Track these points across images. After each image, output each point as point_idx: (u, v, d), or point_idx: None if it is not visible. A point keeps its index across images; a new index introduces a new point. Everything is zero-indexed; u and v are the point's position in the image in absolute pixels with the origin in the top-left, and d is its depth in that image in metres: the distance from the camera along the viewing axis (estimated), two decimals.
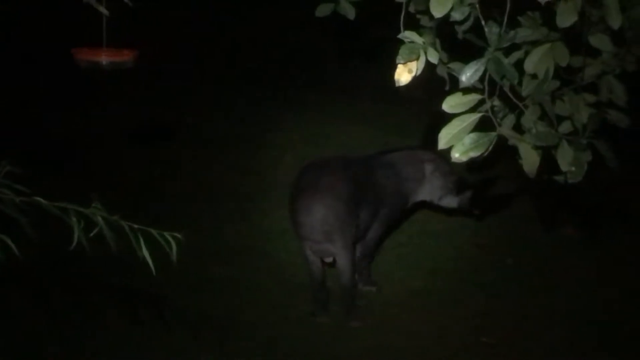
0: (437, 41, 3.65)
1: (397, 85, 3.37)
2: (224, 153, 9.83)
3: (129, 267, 4.14)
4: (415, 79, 3.37)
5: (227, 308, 7.28)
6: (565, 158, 3.09)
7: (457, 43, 3.79)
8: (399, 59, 3.32)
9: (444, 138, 3.09)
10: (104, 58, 4.79)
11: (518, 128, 3.33)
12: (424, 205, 8.10)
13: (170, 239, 2.95)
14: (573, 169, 3.09)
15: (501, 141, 3.15)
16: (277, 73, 11.57)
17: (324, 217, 7.01)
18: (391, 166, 7.59)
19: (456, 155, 3.04)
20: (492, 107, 3.47)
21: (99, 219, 2.88)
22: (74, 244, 2.88)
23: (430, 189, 7.78)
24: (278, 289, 7.62)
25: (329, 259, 7.27)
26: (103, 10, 3.89)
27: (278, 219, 8.22)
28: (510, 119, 3.61)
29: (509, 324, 7.35)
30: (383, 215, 7.52)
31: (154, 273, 2.98)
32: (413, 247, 8.24)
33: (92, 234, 2.90)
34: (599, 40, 3.67)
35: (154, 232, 2.93)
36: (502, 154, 3.32)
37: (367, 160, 7.60)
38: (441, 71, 3.99)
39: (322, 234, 7.05)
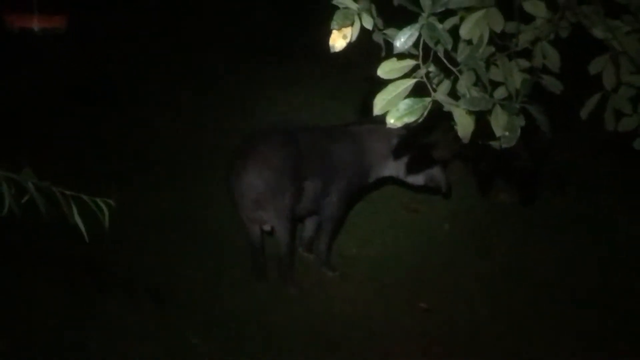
0: (373, 7, 3.64)
1: (332, 51, 3.35)
2: (161, 121, 9.74)
3: (64, 234, 4.09)
4: (350, 45, 3.36)
5: (163, 274, 7.25)
6: (499, 123, 3.10)
7: (393, 9, 3.79)
8: (333, 24, 3.30)
9: (379, 104, 3.08)
10: (36, 23, 4.72)
11: (453, 94, 3.33)
12: None
13: (102, 205, 2.92)
14: (507, 133, 3.11)
15: (436, 107, 3.15)
16: (213, 38, 11.48)
17: (252, 184, 6.96)
18: (353, 139, 7.49)
19: (391, 121, 3.03)
20: (428, 73, 3.46)
21: (30, 185, 2.83)
22: (5, 210, 2.84)
23: (397, 165, 7.71)
24: (215, 255, 7.59)
25: (267, 227, 7.25)
26: None
27: (215, 187, 8.18)
28: (445, 85, 3.62)
29: (445, 289, 7.42)
30: (340, 189, 7.42)
31: (86, 239, 2.95)
32: (349, 213, 8.23)
33: (23, 201, 2.86)
34: (533, 6, 3.69)
35: (85, 197, 2.90)
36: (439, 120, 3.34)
37: (323, 131, 7.51)
38: (377, 37, 3.98)
39: (251, 201, 7.02)
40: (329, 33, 3.35)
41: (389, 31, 3.74)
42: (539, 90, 3.75)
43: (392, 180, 8.02)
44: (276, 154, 7.04)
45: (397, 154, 7.60)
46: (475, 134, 3.17)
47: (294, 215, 7.25)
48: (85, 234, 2.91)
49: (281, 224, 7.14)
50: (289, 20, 11.32)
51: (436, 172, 7.80)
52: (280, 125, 7.76)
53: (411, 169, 7.72)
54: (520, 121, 3.12)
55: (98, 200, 2.94)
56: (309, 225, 7.78)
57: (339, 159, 7.37)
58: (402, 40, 3.09)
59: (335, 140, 7.42)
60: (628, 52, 3.87)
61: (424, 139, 7.65)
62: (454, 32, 3.53)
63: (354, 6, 3.33)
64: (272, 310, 6.97)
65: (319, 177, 7.25)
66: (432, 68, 3.58)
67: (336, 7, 3.33)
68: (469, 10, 3.51)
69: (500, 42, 3.67)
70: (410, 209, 8.52)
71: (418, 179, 7.82)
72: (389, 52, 3.25)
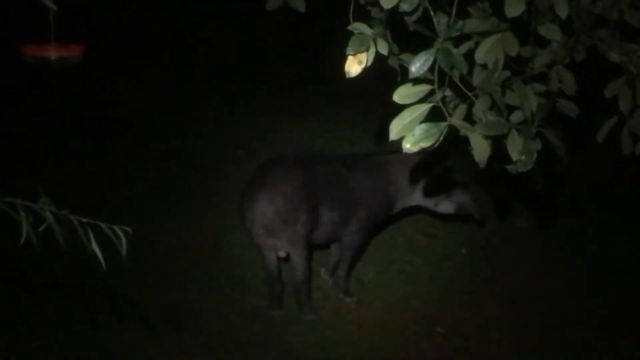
0: (388, 32, 3.65)
1: (347, 76, 3.37)
2: (175, 149, 9.78)
3: (81, 263, 4.09)
4: (365, 70, 3.37)
5: (180, 303, 7.25)
6: (515, 147, 3.10)
7: (408, 34, 3.80)
8: (349, 50, 3.31)
9: (395, 129, 3.08)
10: (52, 53, 4.73)
11: (469, 118, 3.33)
12: None
13: (120, 233, 2.92)
14: (523, 157, 3.10)
15: (453, 132, 3.15)
16: (226, 69, 11.53)
17: (262, 211, 6.90)
18: (377, 168, 7.42)
19: (407, 146, 3.03)
20: (444, 97, 3.47)
21: (48, 213, 2.84)
22: (23, 239, 2.84)
23: (424, 194, 7.61)
24: (231, 284, 7.60)
25: (282, 254, 7.22)
26: (51, 5, 3.84)
27: (230, 214, 8.18)
28: (461, 109, 3.62)
29: (462, 314, 7.40)
30: (362, 218, 7.34)
31: (104, 267, 2.95)
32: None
33: (40, 229, 2.87)
34: (548, 30, 3.69)
35: (103, 226, 2.90)
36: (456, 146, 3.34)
37: (343, 160, 7.43)
38: (392, 62, 3.99)
39: (262, 227, 6.96)
40: (344, 60, 3.36)
41: (404, 56, 3.76)
42: (555, 114, 3.76)
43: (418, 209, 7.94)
44: (288, 181, 7.00)
45: (424, 183, 7.54)
46: (491, 158, 3.16)
47: (309, 242, 7.20)
48: (103, 261, 2.92)
49: (295, 251, 7.11)
50: (301, 50, 11.35)
51: (467, 199, 7.70)
52: (297, 153, 7.74)
53: (440, 197, 7.63)
54: (537, 145, 3.12)
55: (116, 227, 2.94)
56: (335, 250, 7.74)
57: (360, 189, 7.30)
58: (418, 65, 3.10)
59: (357, 170, 7.35)
60: None
61: (450, 166, 7.59)
62: (469, 56, 3.54)
63: (369, 32, 3.34)
64: (287, 337, 6.95)
65: (337, 206, 7.19)
66: (447, 92, 3.59)
67: (352, 33, 3.34)
68: (484, 34, 3.52)
69: (515, 66, 3.68)
70: (427, 234, 8.51)
71: (448, 208, 7.72)
72: (404, 77, 3.25)
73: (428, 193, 7.60)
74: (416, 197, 7.63)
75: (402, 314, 7.38)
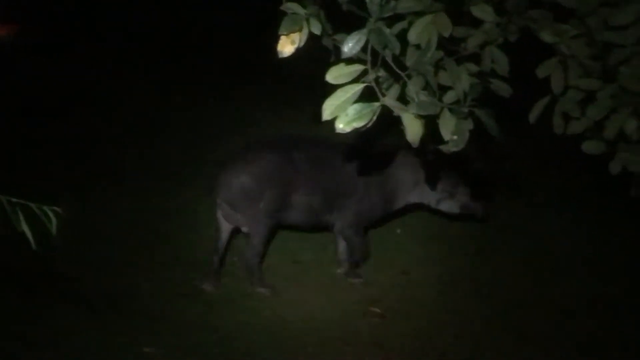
0: (322, 12, 3.65)
1: (279, 56, 3.36)
2: (120, 132, 9.69)
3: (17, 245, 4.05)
4: (299, 51, 3.37)
5: (120, 284, 7.21)
6: (447, 127, 3.11)
7: (343, 14, 3.80)
8: (281, 30, 3.31)
9: (328, 109, 3.07)
10: None
11: (403, 98, 3.34)
12: None
13: (50, 213, 2.89)
14: (455, 137, 3.12)
15: (387, 112, 3.15)
16: (180, 52, 11.47)
17: (228, 184, 7.16)
18: (377, 160, 7.42)
19: (340, 126, 3.02)
20: (377, 77, 3.47)
21: None
22: None
23: (427, 193, 7.60)
24: (173, 266, 7.56)
25: (244, 229, 7.35)
26: None
27: (174, 198, 8.20)
28: (394, 90, 3.63)
29: (399, 294, 7.44)
30: (354, 208, 7.41)
31: (33, 247, 2.92)
32: None
33: None
34: (481, 11, 3.70)
35: (33, 206, 2.87)
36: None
37: (339, 148, 7.36)
38: (326, 42, 4.00)
39: (226, 200, 7.19)
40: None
41: (338, 36, 3.76)
42: (490, 96, 3.78)
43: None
44: (260, 160, 7.18)
45: (426, 180, 7.54)
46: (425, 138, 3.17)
47: (273, 222, 7.32)
48: (32, 241, 2.89)
49: (254, 228, 7.23)
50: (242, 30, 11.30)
51: (470, 199, 7.66)
52: (291, 137, 7.72)
53: (443, 196, 7.61)
54: (469, 125, 3.13)
55: (46, 208, 2.91)
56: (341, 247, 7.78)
57: (352, 178, 7.35)
58: (350, 45, 3.10)
59: (351, 159, 7.35)
60: (576, 56, 3.91)
61: (457, 165, 7.58)
62: (402, 36, 3.55)
63: (302, 12, 3.33)
64: (226, 317, 6.94)
65: (317, 193, 7.27)
66: (381, 73, 3.59)
67: (285, 13, 3.34)
68: (418, 14, 3.53)
69: (449, 46, 3.70)
70: None
71: (452, 207, 7.69)
72: (338, 57, 3.25)
73: (431, 191, 7.59)
74: (417, 195, 7.63)
75: (339, 294, 7.40)
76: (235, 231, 7.46)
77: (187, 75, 10.83)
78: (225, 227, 7.36)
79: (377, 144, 7.56)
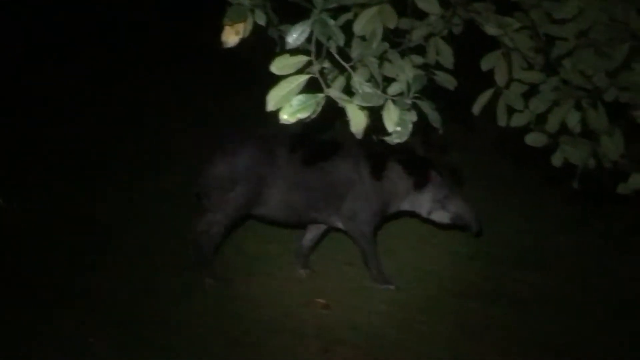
0: (268, 3, 3.64)
1: (224, 46, 3.35)
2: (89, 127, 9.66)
3: None
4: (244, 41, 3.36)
5: (70, 276, 7.19)
6: (391, 118, 3.11)
7: (291, 5, 3.79)
8: (226, 20, 3.30)
9: (273, 100, 3.06)
10: None
11: (348, 90, 3.34)
12: None
13: None
14: (399, 129, 3.12)
15: (331, 104, 3.15)
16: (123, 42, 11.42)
17: (205, 172, 7.22)
18: (371, 162, 7.37)
19: (284, 117, 3.02)
20: (322, 69, 3.47)
21: None
22: None
23: (419, 202, 7.56)
24: (123, 258, 7.54)
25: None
26: None
27: (132, 191, 8.23)
28: (339, 81, 3.63)
29: (344, 285, 7.46)
30: (351, 211, 7.37)
31: None
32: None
33: None
34: (425, 3, 3.72)
35: None
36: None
37: (324, 145, 7.38)
38: (272, 33, 3.99)
39: (198, 186, 7.30)
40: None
41: (284, 27, 3.75)
42: (436, 88, 3.80)
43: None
44: (237, 152, 7.20)
45: (417, 188, 7.51)
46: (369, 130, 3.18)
47: (240, 214, 7.35)
48: None
49: (216, 215, 7.24)
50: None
51: (464, 209, 7.60)
52: (279, 132, 7.47)
53: (434, 206, 7.56)
54: (412, 116, 3.14)
55: None
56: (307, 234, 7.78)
57: (341, 179, 7.33)
58: (295, 36, 3.10)
59: (343, 159, 7.35)
60: (519, 49, 3.94)
61: (446, 174, 7.59)
62: (348, 28, 3.55)
63: (246, 2, 3.33)
64: (173, 308, 6.92)
65: (299, 190, 7.25)
66: (326, 64, 3.59)
67: (229, 3, 3.33)
68: (363, 6, 3.53)
69: (394, 38, 3.71)
70: None
71: (443, 217, 7.64)
72: (283, 48, 3.25)
73: (422, 201, 7.56)
74: (409, 203, 7.60)
75: (284, 286, 7.40)
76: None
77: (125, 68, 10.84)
78: (201, 217, 7.36)
79: (372, 145, 7.56)
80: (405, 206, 7.62)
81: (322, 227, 7.67)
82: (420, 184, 7.48)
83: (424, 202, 7.55)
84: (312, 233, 7.72)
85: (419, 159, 7.49)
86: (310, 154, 7.28)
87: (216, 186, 7.16)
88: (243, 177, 7.13)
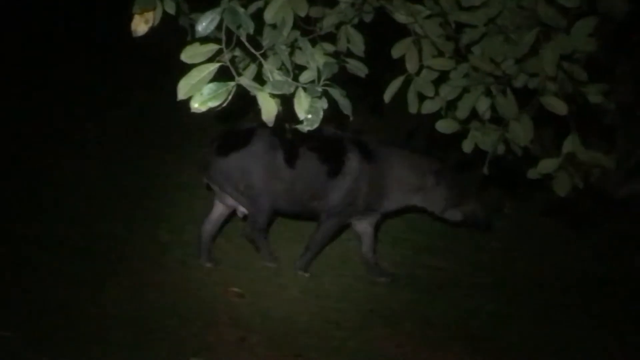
0: None
1: (134, 35, 3.33)
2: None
3: None
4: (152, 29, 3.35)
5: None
6: (302, 106, 3.12)
7: None
8: (135, 9, 3.28)
9: (183, 88, 3.06)
10: None
11: (260, 78, 3.34)
12: None
13: None
14: (310, 116, 3.13)
15: (243, 91, 3.15)
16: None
17: (212, 165, 7.28)
18: (379, 158, 7.34)
19: (195, 106, 3.01)
20: (233, 57, 3.48)
21: None
22: None
23: (432, 201, 7.48)
24: (36, 248, 7.44)
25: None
26: None
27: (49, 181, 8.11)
28: (251, 69, 3.64)
29: (258, 274, 7.45)
30: (338, 199, 7.34)
31: None
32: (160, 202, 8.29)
33: None
34: None
35: None
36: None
37: (329, 140, 7.36)
38: (183, 22, 3.98)
39: (210, 179, 7.36)
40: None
41: (195, 15, 3.75)
42: (350, 76, 3.82)
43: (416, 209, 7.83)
44: (243, 145, 7.20)
45: (432, 186, 7.44)
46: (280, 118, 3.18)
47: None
48: None
49: (247, 207, 7.36)
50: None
51: (476, 207, 7.58)
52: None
53: (448, 204, 7.50)
54: (323, 104, 3.15)
55: None
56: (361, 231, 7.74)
57: (344, 172, 7.30)
58: (204, 24, 3.08)
59: (359, 154, 7.32)
60: (429, 36, 3.98)
61: (459, 172, 7.53)
62: (260, 16, 3.56)
63: None
64: (85, 298, 6.85)
65: (303, 180, 7.26)
66: (237, 52, 3.60)
67: None
68: None
69: (305, 26, 3.72)
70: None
71: (456, 216, 7.59)
72: (194, 36, 3.24)
73: (436, 199, 7.50)
74: (421, 199, 7.53)
75: (197, 275, 7.37)
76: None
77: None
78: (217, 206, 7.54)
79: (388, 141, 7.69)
80: (418, 202, 7.57)
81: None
82: (433, 182, 7.44)
83: (437, 200, 7.50)
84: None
85: (430, 156, 7.46)
86: (315, 147, 7.29)
87: (226, 178, 7.24)
88: (251, 167, 7.19)
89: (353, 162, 7.31)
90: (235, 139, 7.29)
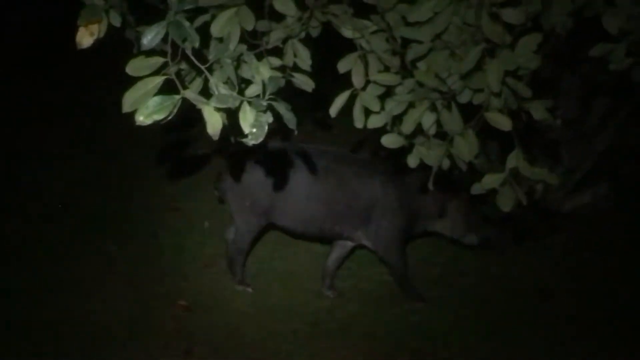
0: (124, 4, 3.62)
1: (78, 47, 3.32)
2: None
3: None
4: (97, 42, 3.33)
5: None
6: (246, 120, 3.12)
7: (148, 6, 3.78)
8: (80, 21, 3.26)
9: (128, 101, 3.05)
10: None
11: (207, 92, 3.34)
12: None
13: None
14: (254, 130, 3.14)
15: (188, 105, 3.15)
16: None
17: (225, 180, 7.24)
18: (403, 180, 7.21)
19: (140, 118, 3.00)
20: (179, 70, 3.47)
21: None
22: None
23: (450, 226, 7.46)
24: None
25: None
26: None
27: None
28: (197, 83, 3.64)
29: (204, 286, 7.44)
30: (376, 227, 7.25)
31: None
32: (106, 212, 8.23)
33: None
34: (283, 5, 3.76)
35: None
36: None
37: (359, 163, 7.32)
38: (129, 34, 3.97)
39: (219, 191, 7.38)
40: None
41: (141, 28, 3.73)
42: (296, 91, 3.84)
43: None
44: (252, 168, 7.11)
45: (454, 212, 7.42)
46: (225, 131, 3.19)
47: (261, 223, 7.31)
48: None
49: (237, 220, 7.31)
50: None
51: (493, 234, 7.62)
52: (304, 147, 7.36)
53: (469, 230, 7.51)
54: (268, 118, 3.16)
55: None
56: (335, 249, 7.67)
57: (366, 195, 7.20)
58: (149, 37, 3.08)
59: (370, 176, 7.23)
60: (376, 51, 4.00)
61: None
62: (206, 30, 3.56)
63: (101, 2, 3.30)
64: (31, 308, 6.83)
65: (322, 203, 7.15)
66: (183, 66, 3.59)
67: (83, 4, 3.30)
68: (220, 8, 3.55)
69: (251, 40, 3.73)
70: (172, 207, 8.46)
71: (473, 241, 7.59)
72: (140, 49, 3.23)
73: (455, 226, 7.50)
74: (440, 226, 7.51)
75: (143, 286, 7.35)
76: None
77: None
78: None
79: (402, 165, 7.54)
80: (436, 228, 7.56)
81: (348, 247, 7.59)
82: (453, 208, 7.43)
83: (457, 226, 7.50)
84: (336, 253, 7.63)
85: (450, 181, 7.46)
86: (332, 167, 7.19)
87: (230, 197, 7.23)
88: (257, 189, 7.11)
89: (382, 187, 7.22)
90: (254, 156, 7.16)
